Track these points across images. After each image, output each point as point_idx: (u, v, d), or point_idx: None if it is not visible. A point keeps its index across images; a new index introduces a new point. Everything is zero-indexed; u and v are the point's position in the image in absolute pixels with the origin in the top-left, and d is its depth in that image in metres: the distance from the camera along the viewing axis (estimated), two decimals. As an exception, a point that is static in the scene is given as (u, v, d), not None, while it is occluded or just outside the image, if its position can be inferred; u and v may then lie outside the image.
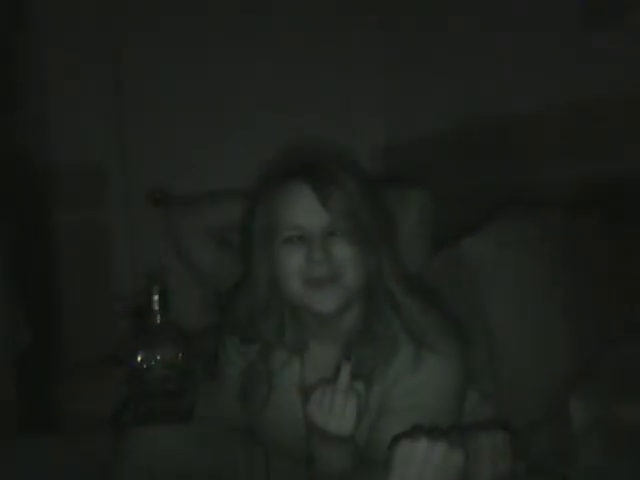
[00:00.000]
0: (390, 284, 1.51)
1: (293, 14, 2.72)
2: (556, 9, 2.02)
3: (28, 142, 2.68)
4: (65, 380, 2.29)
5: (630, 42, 1.82)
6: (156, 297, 1.60)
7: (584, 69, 1.95)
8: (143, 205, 2.72)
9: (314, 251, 1.45)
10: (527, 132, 2.18)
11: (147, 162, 2.73)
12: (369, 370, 1.47)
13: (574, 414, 1.43)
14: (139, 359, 1.58)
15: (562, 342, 1.64)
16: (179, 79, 2.71)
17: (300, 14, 2.71)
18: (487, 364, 1.64)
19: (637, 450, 1.39)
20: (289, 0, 2.72)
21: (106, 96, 2.71)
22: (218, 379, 1.66)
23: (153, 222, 2.53)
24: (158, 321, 1.60)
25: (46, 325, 2.55)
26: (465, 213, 1.97)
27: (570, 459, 1.43)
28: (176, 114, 2.71)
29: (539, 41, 2.09)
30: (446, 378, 1.48)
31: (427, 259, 1.74)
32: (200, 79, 2.72)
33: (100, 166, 2.72)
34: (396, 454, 1.29)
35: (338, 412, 1.37)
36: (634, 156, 1.84)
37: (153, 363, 1.58)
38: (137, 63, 2.72)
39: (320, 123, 2.65)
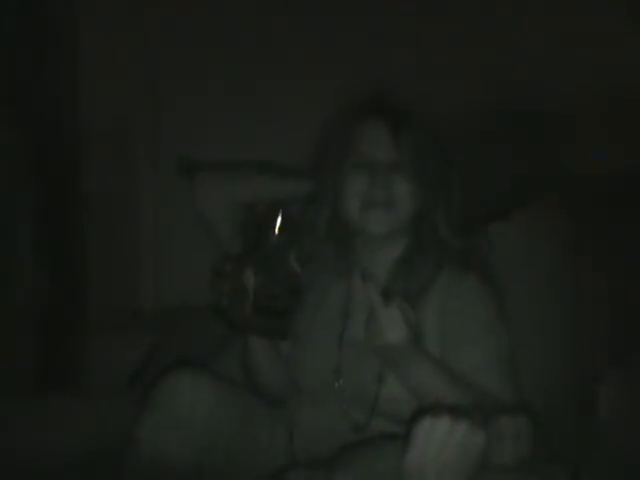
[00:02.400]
0: (441, 227, 1.70)
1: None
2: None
3: (52, 109, 2.68)
4: (90, 335, 2.31)
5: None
6: (280, 218, 1.64)
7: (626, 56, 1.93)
8: (172, 173, 2.71)
9: (376, 178, 1.65)
10: (566, 120, 2.17)
11: (178, 130, 2.70)
12: (414, 297, 1.62)
13: (603, 399, 1.43)
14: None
15: (580, 331, 1.66)
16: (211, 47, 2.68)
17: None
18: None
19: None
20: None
21: (138, 63, 2.69)
22: None
23: (181, 190, 2.46)
24: (277, 238, 1.64)
25: (70, 288, 2.56)
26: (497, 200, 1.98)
27: (593, 444, 1.44)
28: (209, 81, 2.68)
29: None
30: (489, 296, 1.67)
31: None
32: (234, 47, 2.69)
33: (130, 133, 2.70)
34: (416, 431, 1.29)
35: (384, 323, 1.50)
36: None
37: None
38: (169, 28, 2.68)
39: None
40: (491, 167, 2.33)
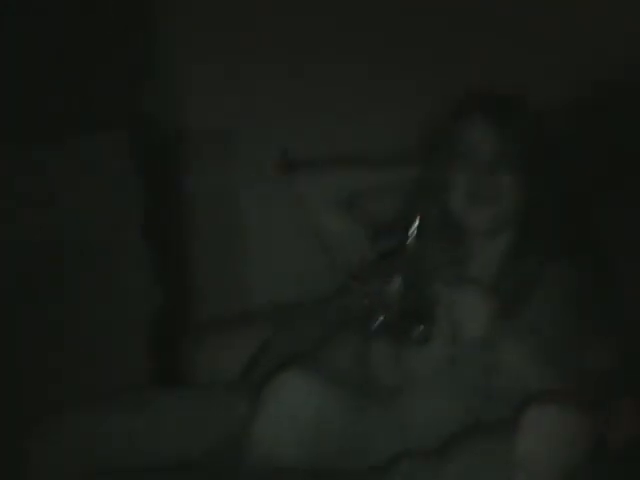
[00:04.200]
0: (551, 214, 1.73)
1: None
2: None
3: (157, 110, 2.75)
4: (198, 336, 2.35)
5: None
6: (417, 223, 1.69)
7: None
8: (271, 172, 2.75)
9: (481, 169, 1.67)
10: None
11: (275, 129, 2.72)
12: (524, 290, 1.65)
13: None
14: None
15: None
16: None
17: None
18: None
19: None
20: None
21: (235, 64, 2.72)
22: None
23: (281, 190, 2.55)
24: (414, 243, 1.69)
25: (177, 286, 2.64)
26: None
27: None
28: (306, 88, 2.73)
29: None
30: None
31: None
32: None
33: (229, 132, 2.74)
34: (524, 419, 1.31)
35: (466, 312, 1.55)
36: None
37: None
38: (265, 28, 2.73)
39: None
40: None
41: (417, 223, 1.67)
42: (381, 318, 1.63)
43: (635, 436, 1.42)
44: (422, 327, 1.61)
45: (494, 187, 1.68)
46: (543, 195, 1.72)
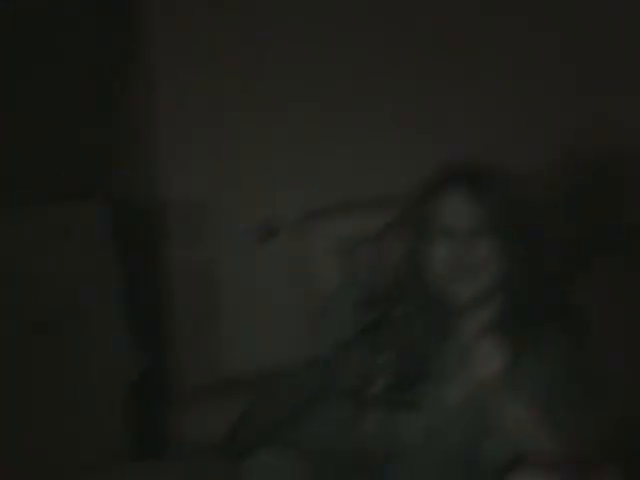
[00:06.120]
0: (531, 287, 1.71)
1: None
2: None
3: (138, 177, 2.76)
4: (181, 406, 2.34)
5: None
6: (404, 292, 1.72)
7: None
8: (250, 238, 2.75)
9: (457, 245, 1.68)
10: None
11: (252, 195, 2.76)
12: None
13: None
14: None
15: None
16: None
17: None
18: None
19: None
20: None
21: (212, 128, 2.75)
22: None
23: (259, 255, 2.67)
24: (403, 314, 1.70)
25: (157, 353, 2.62)
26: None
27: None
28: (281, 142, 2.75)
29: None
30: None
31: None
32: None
33: (206, 200, 2.76)
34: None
35: (479, 355, 1.56)
36: None
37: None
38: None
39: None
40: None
41: (405, 293, 1.66)
42: (370, 389, 1.63)
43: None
44: (414, 393, 1.61)
45: (473, 261, 1.68)
46: (524, 264, 1.71)
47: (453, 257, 1.68)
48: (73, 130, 2.64)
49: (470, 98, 2.70)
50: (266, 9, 2.68)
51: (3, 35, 2.55)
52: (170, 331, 2.70)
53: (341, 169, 2.71)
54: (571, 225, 2.26)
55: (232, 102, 2.73)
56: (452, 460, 1.64)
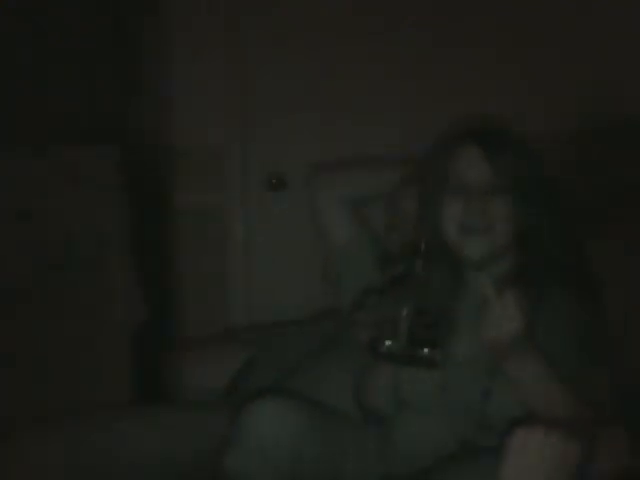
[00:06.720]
0: (546, 245, 1.69)
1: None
2: None
3: (152, 125, 2.74)
4: (179, 353, 2.32)
5: None
6: (423, 249, 1.64)
7: None
8: (259, 189, 2.77)
9: (471, 202, 1.65)
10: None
11: (266, 146, 2.77)
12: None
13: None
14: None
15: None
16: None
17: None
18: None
19: None
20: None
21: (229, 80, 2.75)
22: None
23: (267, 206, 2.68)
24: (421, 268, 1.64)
25: (160, 303, 2.61)
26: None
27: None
28: (297, 99, 2.74)
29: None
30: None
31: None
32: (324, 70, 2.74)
33: (220, 149, 2.76)
34: (510, 442, 1.28)
35: (498, 313, 1.49)
36: None
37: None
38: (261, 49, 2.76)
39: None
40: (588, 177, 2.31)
41: (423, 249, 1.64)
42: (388, 342, 1.61)
43: (629, 469, 1.39)
44: (430, 351, 1.59)
45: (487, 218, 1.64)
46: (539, 226, 1.68)
47: (468, 213, 1.64)
48: (91, 80, 2.62)
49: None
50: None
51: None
52: (176, 283, 2.71)
53: (357, 123, 2.69)
54: (587, 193, 2.22)
55: (249, 54, 2.72)
56: (462, 413, 1.62)
